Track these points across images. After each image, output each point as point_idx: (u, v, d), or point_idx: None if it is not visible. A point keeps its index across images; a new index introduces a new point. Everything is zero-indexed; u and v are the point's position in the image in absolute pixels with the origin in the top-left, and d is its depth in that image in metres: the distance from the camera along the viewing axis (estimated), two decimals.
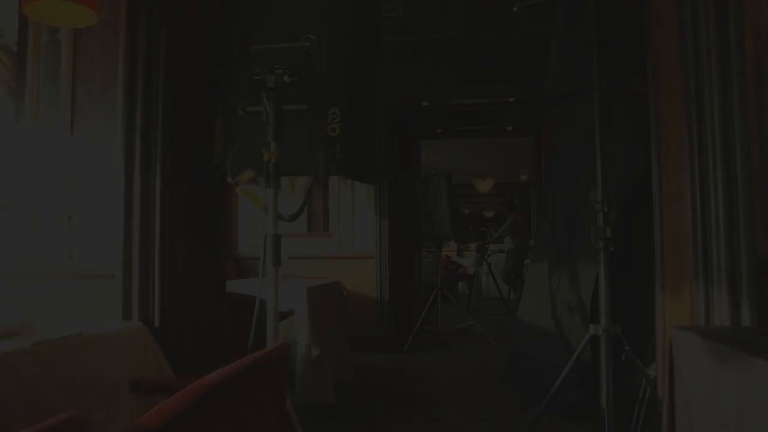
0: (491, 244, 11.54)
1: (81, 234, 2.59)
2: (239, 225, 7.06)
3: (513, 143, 11.05)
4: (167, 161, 2.44)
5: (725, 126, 2.17)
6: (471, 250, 14.46)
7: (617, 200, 2.56)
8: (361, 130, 2.47)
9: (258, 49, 2.40)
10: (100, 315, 2.42)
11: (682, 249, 2.32)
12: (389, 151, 6.81)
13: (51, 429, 0.70)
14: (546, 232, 5.48)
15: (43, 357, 1.69)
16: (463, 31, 6.21)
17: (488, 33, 6.26)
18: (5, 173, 2.66)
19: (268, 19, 2.46)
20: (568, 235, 3.79)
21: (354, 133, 2.36)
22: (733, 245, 2.13)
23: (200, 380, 1.10)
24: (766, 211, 2.20)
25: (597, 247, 2.49)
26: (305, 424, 2.38)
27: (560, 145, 4.48)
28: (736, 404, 1.40)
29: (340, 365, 5.06)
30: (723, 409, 1.48)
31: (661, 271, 2.45)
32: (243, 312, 2.79)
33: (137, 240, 2.41)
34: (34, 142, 2.60)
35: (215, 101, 2.54)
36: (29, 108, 2.61)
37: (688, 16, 2.28)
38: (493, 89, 6.66)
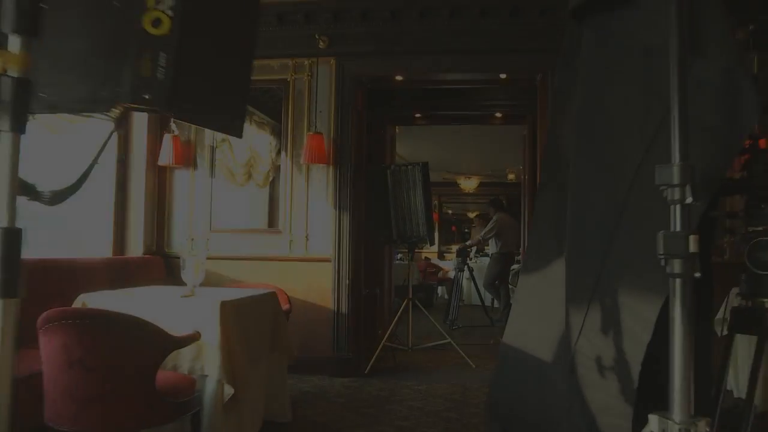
0: (474, 247, 10.44)
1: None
2: (174, 217, 5.88)
3: (501, 135, 9.93)
4: None
5: None
6: (453, 252, 13.37)
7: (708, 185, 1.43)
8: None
9: None
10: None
11: None
12: (353, 133, 5.66)
13: None
14: (543, 238, 4.36)
15: None
16: None
17: None
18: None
19: None
20: (600, 246, 2.60)
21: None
22: None
23: None
24: None
25: (668, 270, 1.34)
26: None
27: (590, 90, 3.19)
28: None
29: (271, 402, 3.91)
30: None
31: None
32: None
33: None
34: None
35: None
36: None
37: None
38: (481, 62, 5.52)
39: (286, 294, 4.55)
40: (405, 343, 6.09)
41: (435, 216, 18.23)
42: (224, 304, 3.26)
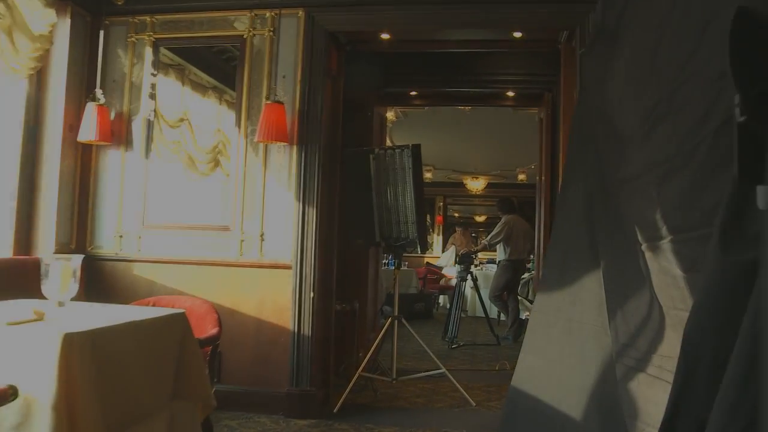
0: (479, 253, 9.21)
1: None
2: (99, 207, 4.66)
3: (512, 125, 8.68)
4: None
5: None
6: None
7: None
8: None
9: None
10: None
11: None
12: (327, 106, 4.43)
13: None
14: (571, 250, 3.14)
15: None
16: None
17: None
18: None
19: None
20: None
21: None
22: None
23: None
24: None
25: None
26: None
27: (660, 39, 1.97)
28: None
29: None
30: None
31: None
32: None
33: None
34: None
35: None
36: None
37: None
38: (489, 15, 4.26)
39: (215, 313, 3.32)
40: (388, 373, 4.84)
41: (439, 218, 16.98)
42: (69, 339, 2.03)
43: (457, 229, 13.20)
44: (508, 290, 7.80)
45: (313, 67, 4.34)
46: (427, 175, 14.39)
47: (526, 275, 9.09)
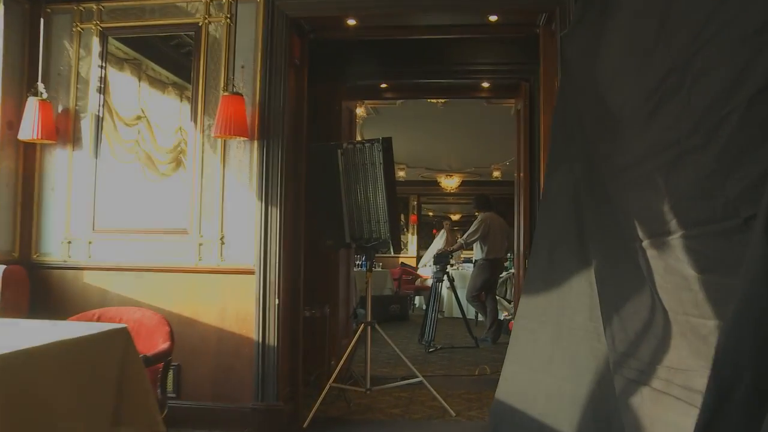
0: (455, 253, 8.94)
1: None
2: (45, 212, 4.29)
3: (486, 119, 8.44)
4: None
5: None
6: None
7: None
8: None
9: None
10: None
11: None
12: (290, 97, 4.12)
13: None
14: (557, 249, 2.87)
15: None
16: None
17: None
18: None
19: None
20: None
21: None
22: None
23: None
24: None
25: None
26: None
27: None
28: None
29: None
30: None
31: None
32: None
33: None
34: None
35: None
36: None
37: None
38: None
39: (167, 325, 2.98)
40: (362, 382, 4.52)
41: (413, 218, 16.71)
42: None
43: (445, 223, 12.87)
44: (485, 290, 7.54)
45: (274, 55, 4.02)
46: (400, 174, 14.12)
47: (504, 274, 8.85)
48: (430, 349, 7.06)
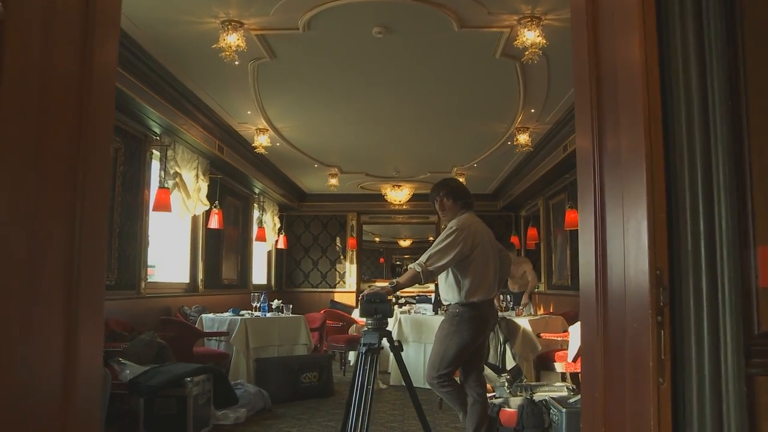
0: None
1: None
2: None
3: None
4: None
5: None
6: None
7: None
8: None
9: None
10: None
11: None
12: None
13: None
14: None
15: None
16: None
17: None
18: None
19: None
20: None
21: None
22: None
23: None
24: None
25: None
26: None
27: None
28: None
29: None
30: None
31: None
32: None
33: None
34: None
35: None
36: None
37: None
38: None
39: None
40: None
41: (352, 241, 12.96)
42: None
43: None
44: (464, 366, 3.86)
45: None
46: (332, 182, 10.42)
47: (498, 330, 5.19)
48: None
